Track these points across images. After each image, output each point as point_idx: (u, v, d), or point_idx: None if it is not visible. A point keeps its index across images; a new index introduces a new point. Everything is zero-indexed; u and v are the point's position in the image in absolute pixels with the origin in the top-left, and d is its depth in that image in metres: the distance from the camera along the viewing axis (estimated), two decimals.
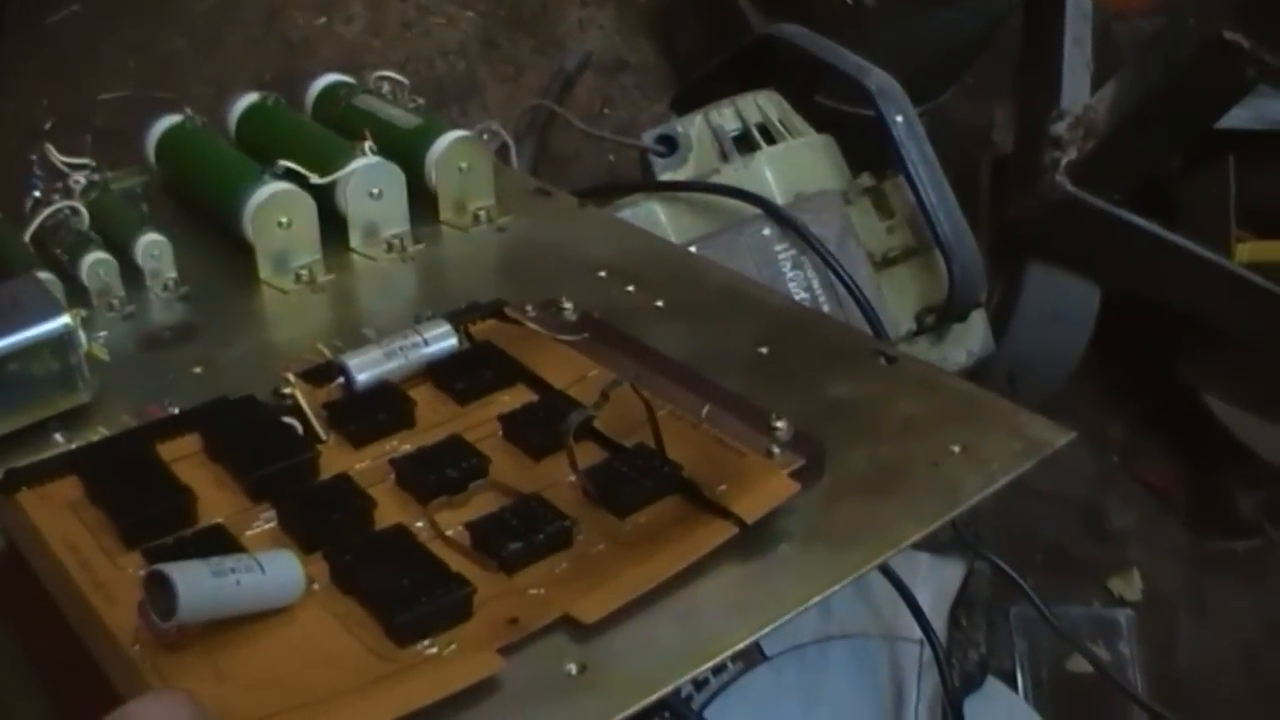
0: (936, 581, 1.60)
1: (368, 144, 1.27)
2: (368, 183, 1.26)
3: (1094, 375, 2.17)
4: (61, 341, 0.98)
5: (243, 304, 1.21)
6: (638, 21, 2.37)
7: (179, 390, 1.04)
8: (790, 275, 1.56)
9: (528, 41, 2.26)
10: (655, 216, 1.60)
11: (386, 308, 1.18)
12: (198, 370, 1.09)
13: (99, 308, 1.20)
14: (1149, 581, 2.03)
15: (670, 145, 1.69)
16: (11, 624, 0.82)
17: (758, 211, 1.58)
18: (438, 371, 1.00)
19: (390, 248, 1.28)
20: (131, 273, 1.24)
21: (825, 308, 1.56)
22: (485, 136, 1.44)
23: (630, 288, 1.18)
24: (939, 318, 1.71)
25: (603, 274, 1.20)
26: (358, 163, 1.26)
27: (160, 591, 0.71)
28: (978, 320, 1.76)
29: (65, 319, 0.99)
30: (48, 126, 1.88)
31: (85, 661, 0.74)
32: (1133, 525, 2.13)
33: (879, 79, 1.66)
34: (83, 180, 1.38)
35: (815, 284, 1.56)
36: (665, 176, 1.67)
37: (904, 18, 2.04)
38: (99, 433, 0.99)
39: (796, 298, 1.55)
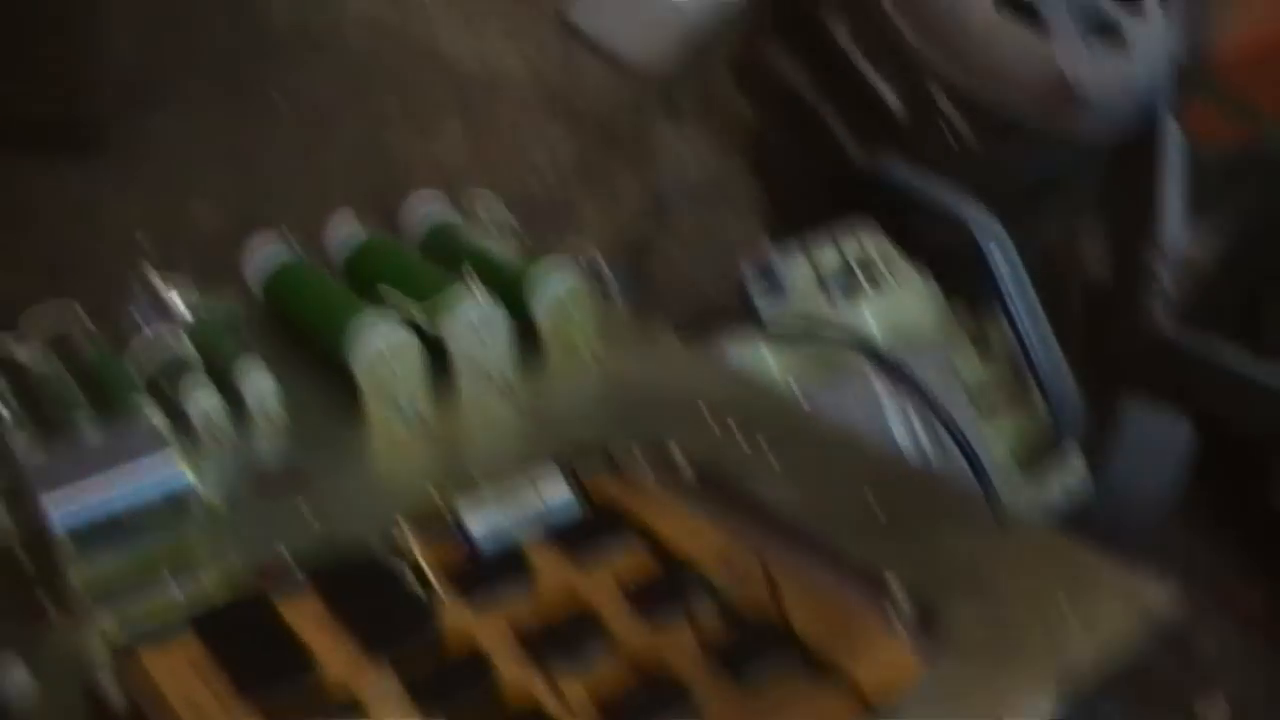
0: None
1: (474, 284, 1.28)
2: (474, 325, 1.27)
3: (1184, 500, 2.16)
4: (181, 496, 0.99)
5: (350, 444, 1.22)
6: (732, 144, 2.38)
7: (292, 537, 1.05)
8: (895, 421, 1.56)
9: (624, 168, 2.27)
10: (760, 356, 1.60)
11: (495, 450, 1.18)
12: (309, 515, 1.10)
13: (204, 442, 1.21)
14: (1236, 708, 2.01)
15: (772, 281, 1.69)
16: None
17: (862, 357, 1.58)
18: (555, 530, 1.00)
19: (495, 388, 1.29)
20: (235, 404, 1.26)
21: (929, 453, 1.55)
22: (582, 263, 1.45)
23: (739, 436, 1.17)
24: (1037, 457, 1.70)
25: (710, 419, 1.20)
26: (465, 305, 1.27)
27: None
28: (1073, 457, 1.76)
29: (186, 475, 1.00)
30: (144, 243, 1.89)
31: None
32: (1221, 652, 2.10)
33: (978, 216, 1.66)
34: (183, 305, 1.40)
35: (919, 430, 1.56)
36: (767, 313, 1.67)
37: (1001, 153, 2.04)
38: (214, 582, 1.00)
39: (901, 444, 1.54)
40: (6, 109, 1.84)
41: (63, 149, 1.96)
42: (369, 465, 1.21)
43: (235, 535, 1.05)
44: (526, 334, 1.33)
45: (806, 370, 1.60)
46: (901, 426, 1.57)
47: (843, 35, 2.07)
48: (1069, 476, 1.76)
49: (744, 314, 1.73)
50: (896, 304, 1.69)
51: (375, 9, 2.32)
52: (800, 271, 1.71)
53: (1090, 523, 1.73)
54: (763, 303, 1.68)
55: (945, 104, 1.95)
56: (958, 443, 1.53)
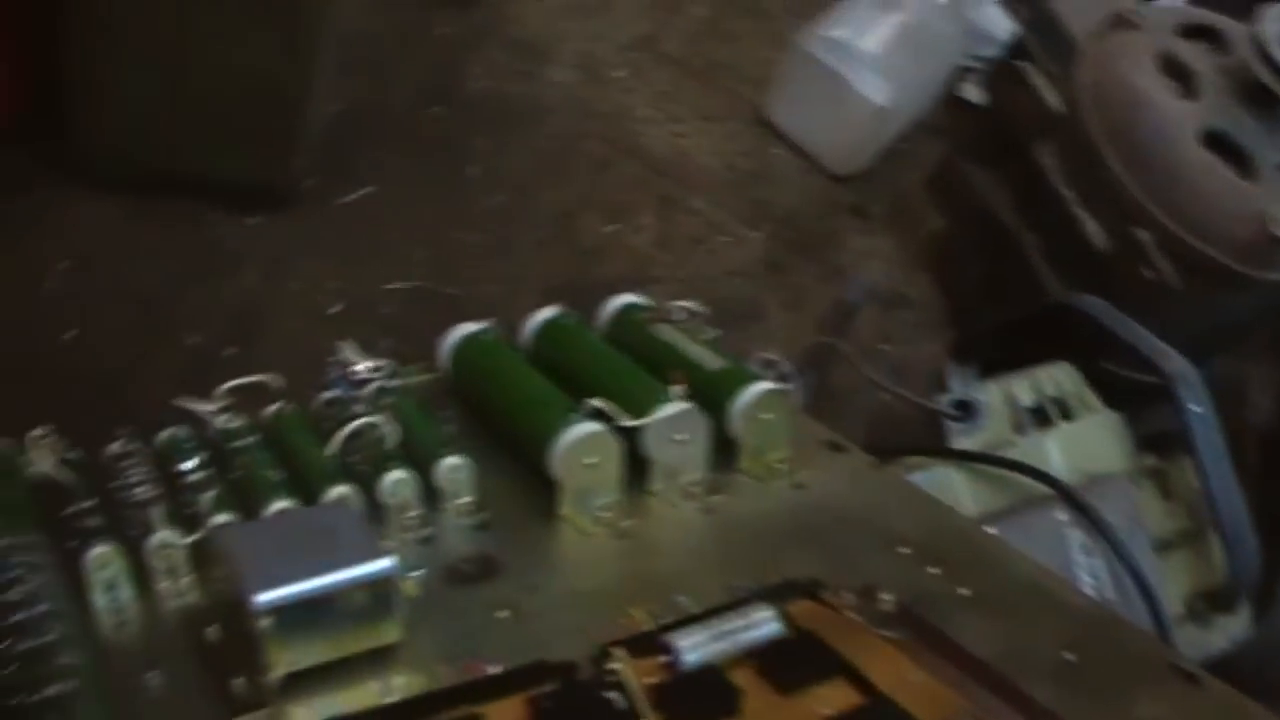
0: None
1: (678, 388, 1.27)
2: (675, 428, 1.26)
3: None
4: (383, 583, 0.99)
5: (544, 541, 1.21)
6: (919, 255, 2.37)
7: (487, 637, 1.04)
8: (1080, 561, 1.54)
9: (811, 268, 2.26)
10: (950, 483, 1.58)
11: (693, 567, 1.16)
12: (504, 615, 1.09)
13: (393, 525, 1.21)
14: None
15: (966, 410, 1.68)
16: None
17: (1049, 490, 1.56)
18: (760, 657, 0.98)
19: (689, 495, 1.27)
20: (427, 486, 1.25)
21: (1109, 593, 1.53)
22: (766, 366, 1.44)
23: (934, 570, 1.15)
24: (1213, 605, 1.67)
25: (905, 550, 1.18)
26: (668, 408, 1.25)
27: None
28: (1243, 604, 1.73)
29: (388, 562, 0.99)
30: (332, 311, 1.91)
31: None
32: None
33: (1178, 365, 1.64)
34: (378, 381, 1.39)
35: (1102, 571, 1.54)
36: (960, 443, 1.65)
37: (1200, 295, 2.01)
38: (410, 675, 0.99)
39: (1083, 583, 1.52)
40: (211, 167, 1.86)
41: (258, 209, 1.98)
42: (565, 569, 1.19)
43: (429, 627, 1.05)
44: (721, 445, 1.32)
45: (994, 498, 1.59)
46: (1083, 561, 1.55)
47: (1051, 165, 2.05)
48: (1235, 626, 1.73)
49: (931, 436, 1.72)
50: (1085, 438, 1.68)
51: (573, 82, 2.34)
52: (993, 399, 1.69)
53: (1250, 673, 1.70)
54: (956, 429, 1.66)
55: (1149, 242, 1.93)
56: (1139, 585, 1.51)
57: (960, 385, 1.75)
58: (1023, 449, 1.63)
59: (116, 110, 1.81)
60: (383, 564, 0.98)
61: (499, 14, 2.39)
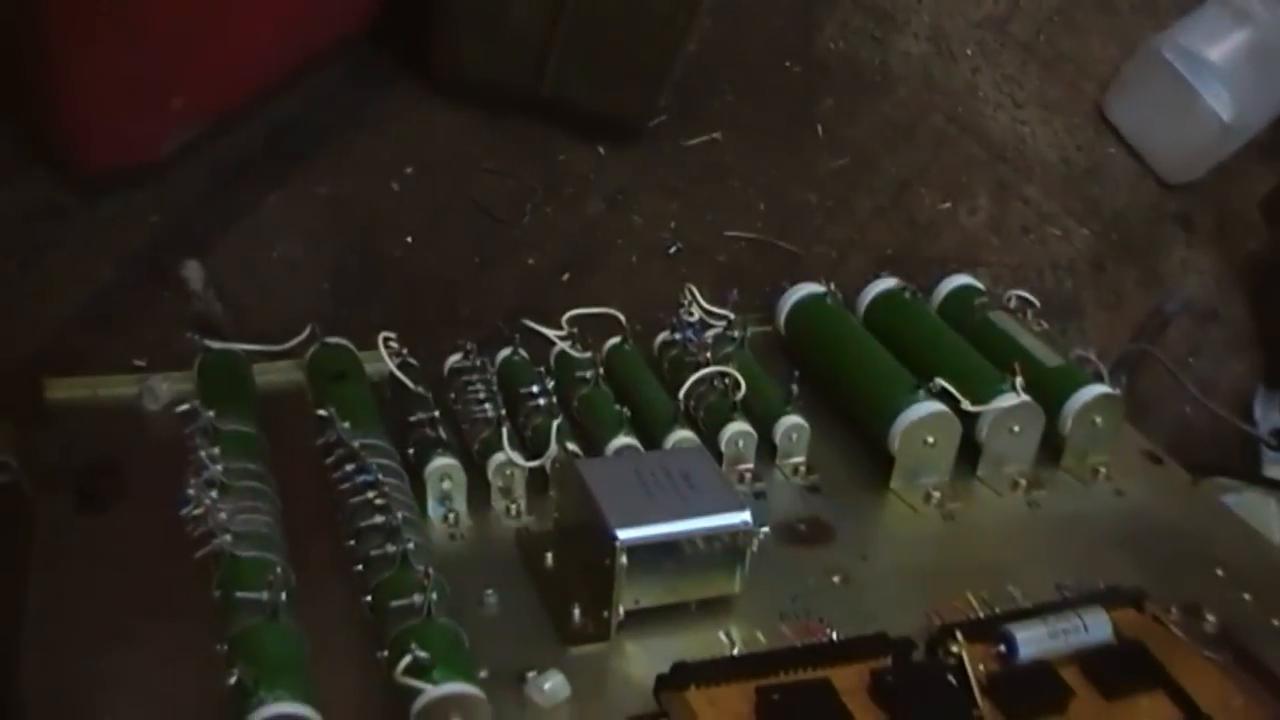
0: None
1: (1019, 380, 1.32)
2: (1013, 420, 1.32)
3: None
4: (738, 536, 1.05)
5: (874, 512, 1.28)
6: (1238, 272, 2.38)
7: (818, 600, 1.11)
8: None
9: (1132, 272, 2.29)
10: (1263, 510, 1.61)
11: (1020, 559, 1.22)
12: (836, 580, 1.15)
13: (729, 475, 1.27)
14: None
15: None
16: None
17: None
18: (1087, 659, 1.03)
19: (1014, 485, 1.32)
20: (763, 444, 1.31)
21: None
22: (1081, 364, 1.48)
23: (1247, 596, 1.20)
24: None
25: (1220, 573, 1.23)
26: (1008, 399, 1.31)
27: None
28: None
29: (747, 515, 1.05)
30: (672, 250, 1.96)
31: None
32: None
33: None
34: (719, 329, 1.46)
35: None
36: (1274, 472, 1.68)
37: None
38: (745, 628, 1.05)
39: None
40: (578, 94, 1.92)
41: (609, 140, 2.04)
42: (895, 542, 1.25)
43: (763, 582, 1.11)
44: (1046, 441, 1.36)
45: None
46: None
47: None
48: None
49: (1231, 457, 1.74)
50: None
51: (923, 53, 2.36)
52: None
53: None
54: (1272, 457, 1.69)
55: None
56: None
57: (1265, 412, 1.77)
58: None
59: (490, 26, 1.86)
60: (742, 516, 1.06)
61: None
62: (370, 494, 1.11)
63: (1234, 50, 2.36)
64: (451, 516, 1.21)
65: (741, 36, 2.27)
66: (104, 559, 1.11)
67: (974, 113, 2.34)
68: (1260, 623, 1.17)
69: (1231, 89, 2.31)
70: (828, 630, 1.07)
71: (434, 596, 0.99)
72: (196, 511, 1.05)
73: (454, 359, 1.38)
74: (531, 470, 1.23)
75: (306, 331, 1.37)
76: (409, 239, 1.89)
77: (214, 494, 1.07)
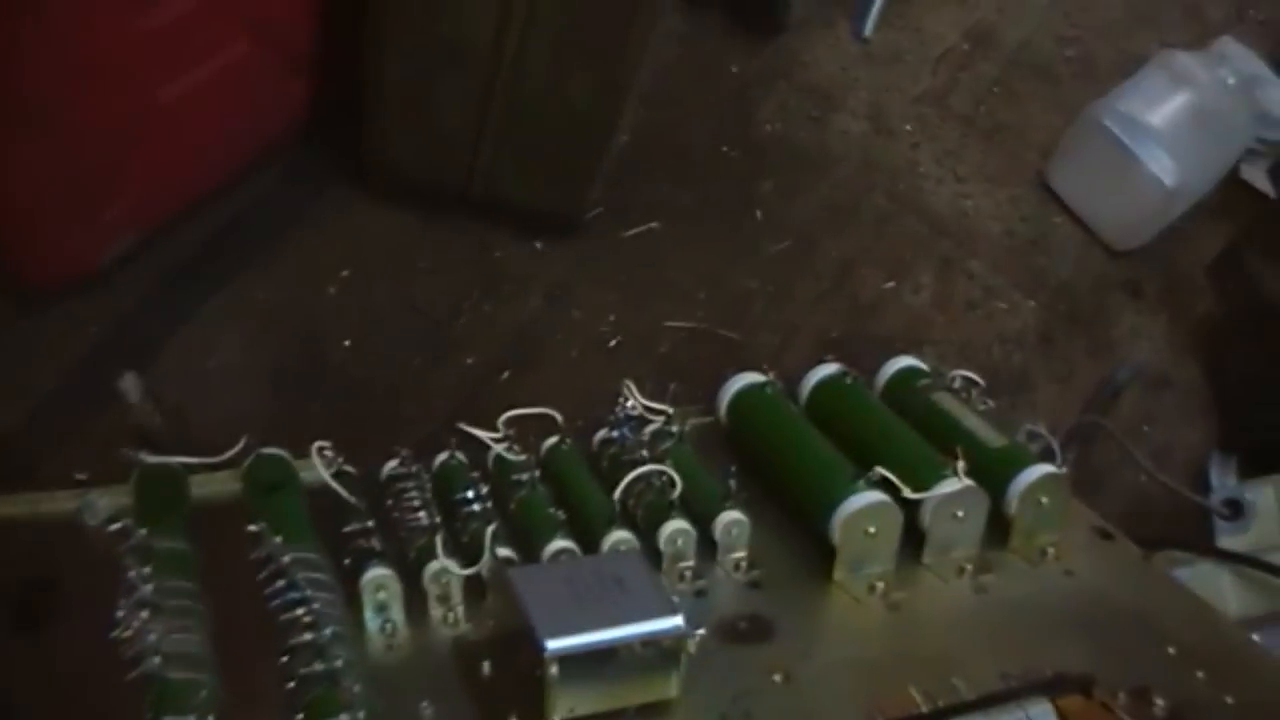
0: None
1: (960, 464, 1.32)
2: (955, 505, 1.31)
3: None
4: (673, 641, 1.05)
5: (816, 606, 1.27)
6: (1188, 336, 2.39)
7: (759, 700, 1.10)
8: None
9: (1082, 341, 2.29)
10: (1216, 581, 1.61)
11: (966, 648, 1.21)
12: (777, 679, 1.14)
13: (667, 574, 1.27)
14: None
15: (1236, 509, 1.70)
16: None
17: None
18: None
19: (960, 571, 1.32)
20: (703, 541, 1.31)
21: None
22: (1029, 438, 1.47)
23: (1200, 674, 1.19)
24: None
25: (1172, 651, 1.22)
26: (950, 484, 1.30)
27: None
28: None
29: (679, 620, 1.05)
30: (612, 344, 1.97)
31: None
32: None
33: None
34: (657, 424, 1.46)
35: None
36: (1227, 541, 1.68)
37: None
38: None
39: None
40: (507, 191, 1.93)
41: (544, 235, 2.05)
42: (838, 637, 1.24)
43: (702, 683, 1.10)
44: (992, 523, 1.36)
45: (1258, 601, 1.61)
46: None
47: None
48: None
49: (1187, 525, 1.74)
50: None
51: (861, 132, 2.38)
52: (1264, 500, 1.71)
53: None
54: (1224, 528, 1.69)
55: None
56: None
57: (1221, 477, 1.77)
58: None
59: (417, 125, 1.88)
60: (674, 621, 1.05)
61: (792, 56, 2.44)
62: (300, 610, 1.10)
63: (1175, 114, 2.37)
64: (388, 627, 1.20)
65: (678, 123, 2.29)
66: (40, 678, 1.10)
67: (915, 189, 2.36)
68: (1214, 701, 1.16)
69: (1173, 153, 2.33)
70: None
71: (361, 715, 0.98)
72: (126, 634, 1.04)
73: (390, 465, 1.37)
74: (469, 577, 1.23)
75: (241, 443, 1.37)
76: (347, 343, 1.90)
77: (145, 614, 1.06)
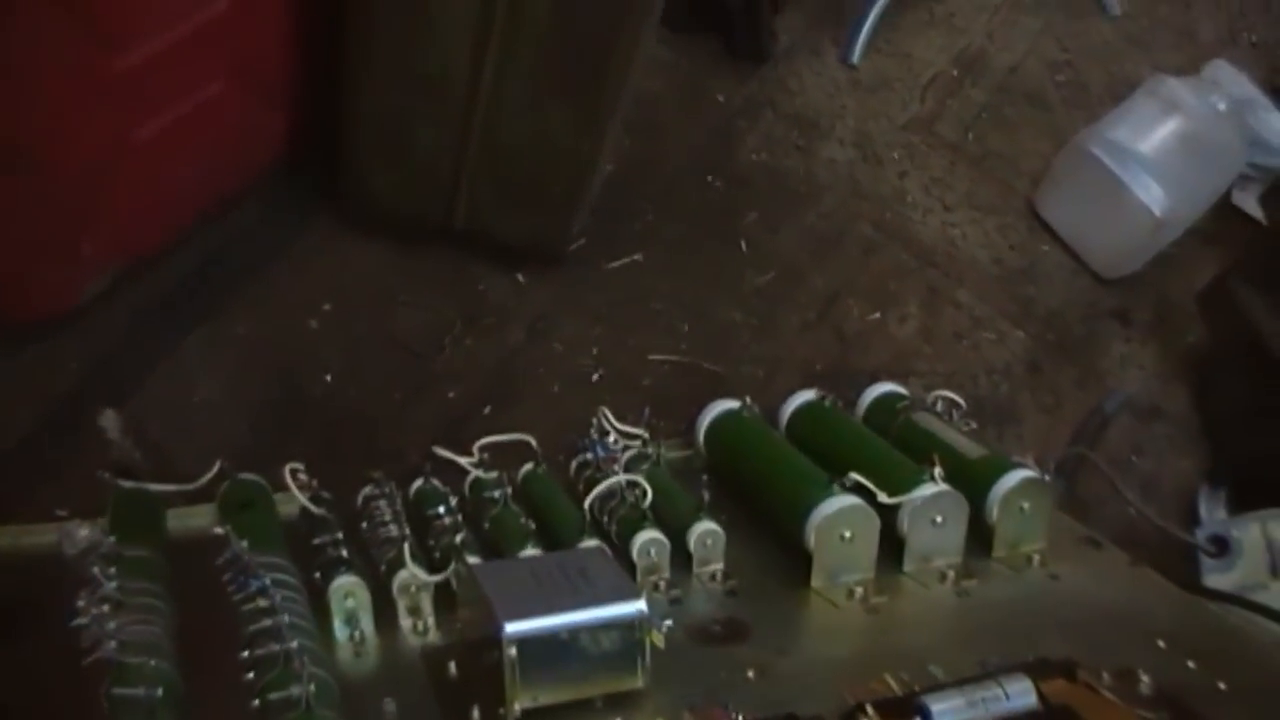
0: None
1: (937, 470, 1.35)
2: (933, 510, 1.35)
3: None
4: (632, 626, 1.07)
5: (793, 611, 1.30)
6: (1178, 366, 2.41)
7: (731, 693, 1.12)
8: None
9: (1070, 371, 2.32)
10: None
11: (945, 643, 1.24)
12: (751, 674, 1.17)
13: (643, 586, 1.30)
14: None
15: (1222, 547, 1.72)
16: None
17: None
18: None
19: (942, 577, 1.35)
20: (678, 555, 1.34)
21: None
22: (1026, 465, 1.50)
23: (1191, 663, 1.21)
24: None
25: (1162, 644, 1.24)
26: (926, 489, 1.34)
27: None
28: None
29: (641, 604, 1.07)
30: (595, 377, 2.00)
31: None
32: None
33: None
34: (634, 450, 1.49)
35: None
36: (1213, 579, 1.70)
37: None
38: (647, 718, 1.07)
39: None
40: (488, 225, 1.96)
41: (526, 267, 2.10)
42: (814, 637, 1.27)
43: (673, 678, 1.12)
44: (976, 533, 1.39)
45: None
46: None
47: None
48: None
49: (1175, 559, 1.76)
50: None
51: (848, 160, 2.40)
52: (1250, 537, 1.73)
53: None
54: (1209, 564, 1.71)
55: None
56: None
57: (1210, 510, 1.79)
58: (1276, 591, 1.67)
59: (397, 157, 1.92)
60: (636, 605, 1.07)
61: (778, 84, 2.47)
62: (259, 600, 1.13)
63: (1164, 141, 2.39)
64: (357, 635, 1.23)
65: (662, 153, 2.33)
66: (17, 685, 1.13)
67: (902, 218, 2.39)
68: (1207, 686, 1.18)
69: (1163, 181, 2.34)
70: (735, 716, 1.08)
71: (312, 688, 1.01)
72: (82, 621, 1.08)
73: (366, 490, 1.41)
74: (441, 590, 1.26)
75: (215, 468, 1.40)
76: (328, 377, 1.92)
77: (105, 608, 1.10)
